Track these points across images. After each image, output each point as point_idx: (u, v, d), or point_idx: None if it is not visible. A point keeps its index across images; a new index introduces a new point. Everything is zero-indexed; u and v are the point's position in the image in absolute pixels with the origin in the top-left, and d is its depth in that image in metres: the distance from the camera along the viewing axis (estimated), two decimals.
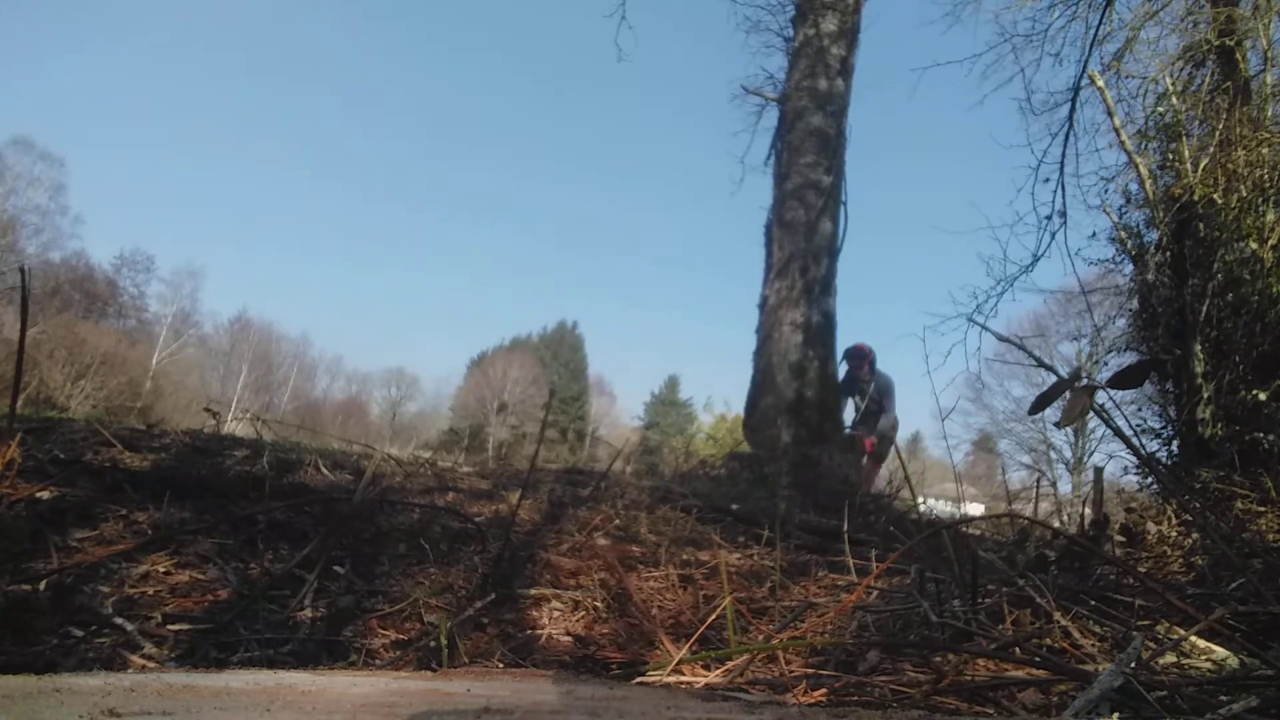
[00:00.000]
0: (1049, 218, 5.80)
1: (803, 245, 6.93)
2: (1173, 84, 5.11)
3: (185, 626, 1.62)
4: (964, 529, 3.05)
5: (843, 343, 6.96)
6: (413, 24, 76.12)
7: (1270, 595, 1.61)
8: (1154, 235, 4.83)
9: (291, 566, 1.99)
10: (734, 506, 3.87)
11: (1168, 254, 4.53)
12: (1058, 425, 1.59)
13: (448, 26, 77.75)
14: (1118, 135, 5.12)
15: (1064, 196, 5.77)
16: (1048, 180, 5.89)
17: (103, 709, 0.83)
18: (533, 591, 2.09)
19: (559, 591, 2.11)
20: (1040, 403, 1.56)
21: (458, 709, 0.96)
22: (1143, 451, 4.11)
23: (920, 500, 5.12)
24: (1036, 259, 5.86)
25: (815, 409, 6.49)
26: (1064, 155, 5.77)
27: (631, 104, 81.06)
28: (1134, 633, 1.51)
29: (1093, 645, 1.52)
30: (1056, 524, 4.84)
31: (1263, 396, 3.81)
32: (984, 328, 4.43)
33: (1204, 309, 4.14)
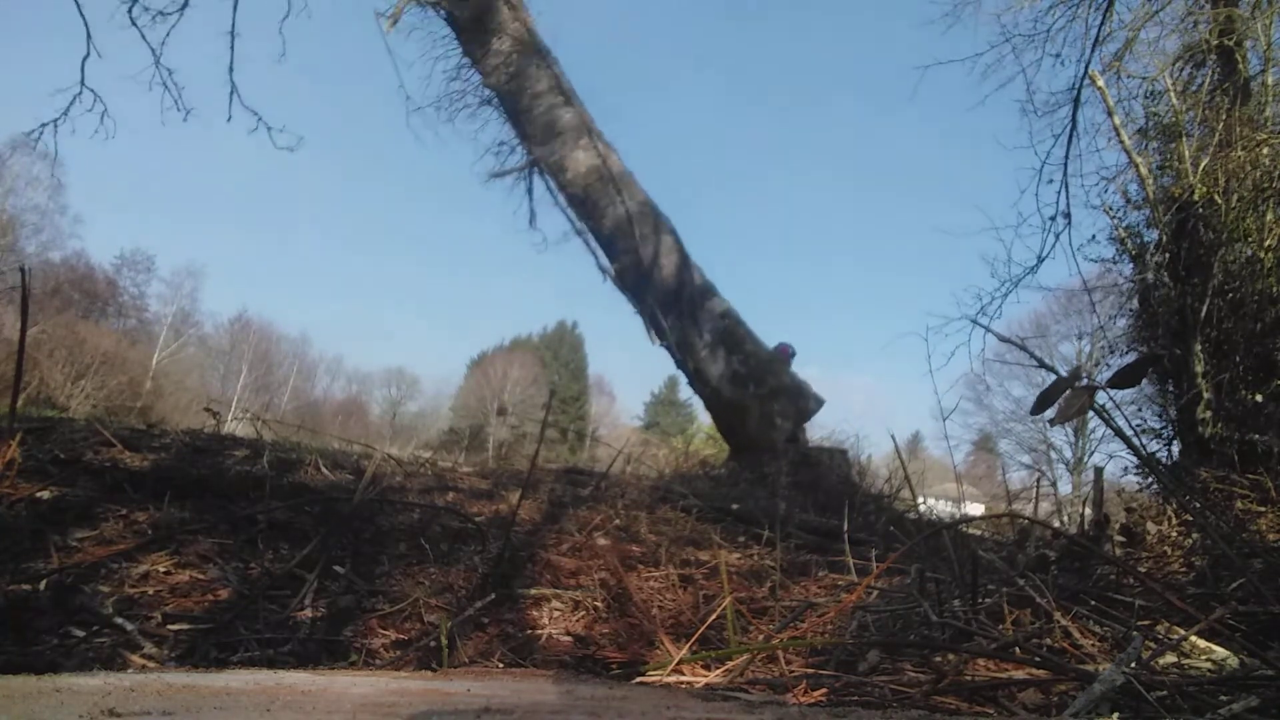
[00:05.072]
0: (1053, 219, 5.76)
1: (653, 274, 6.67)
2: (1173, 84, 5.11)
3: (185, 626, 1.62)
4: (964, 529, 3.05)
5: (773, 331, 6.92)
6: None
7: (1270, 595, 1.61)
8: (1154, 235, 4.83)
9: (291, 566, 1.99)
10: (734, 506, 3.87)
11: (1167, 254, 4.53)
12: (1052, 423, 1.60)
13: None
14: (1118, 135, 5.11)
15: (1068, 197, 5.73)
16: (1051, 181, 5.85)
17: (103, 709, 0.83)
18: (533, 591, 2.09)
19: (559, 591, 2.11)
20: (1041, 402, 1.56)
21: (458, 709, 0.96)
22: (1143, 451, 4.10)
23: (920, 500, 5.12)
24: (1041, 260, 5.80)
25: (769, 399, 6.59)
26: (1067, 156, 5.73)
27: (631, 101, 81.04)
28: (1134, 633, 1.51)
29: (1093, 645, 1.52)
30: (1056, 524, 4.83)
31: (1259, 398, 3.81)
32: (987, 330, 4.42)
33: (1204, 309, 4.14)
